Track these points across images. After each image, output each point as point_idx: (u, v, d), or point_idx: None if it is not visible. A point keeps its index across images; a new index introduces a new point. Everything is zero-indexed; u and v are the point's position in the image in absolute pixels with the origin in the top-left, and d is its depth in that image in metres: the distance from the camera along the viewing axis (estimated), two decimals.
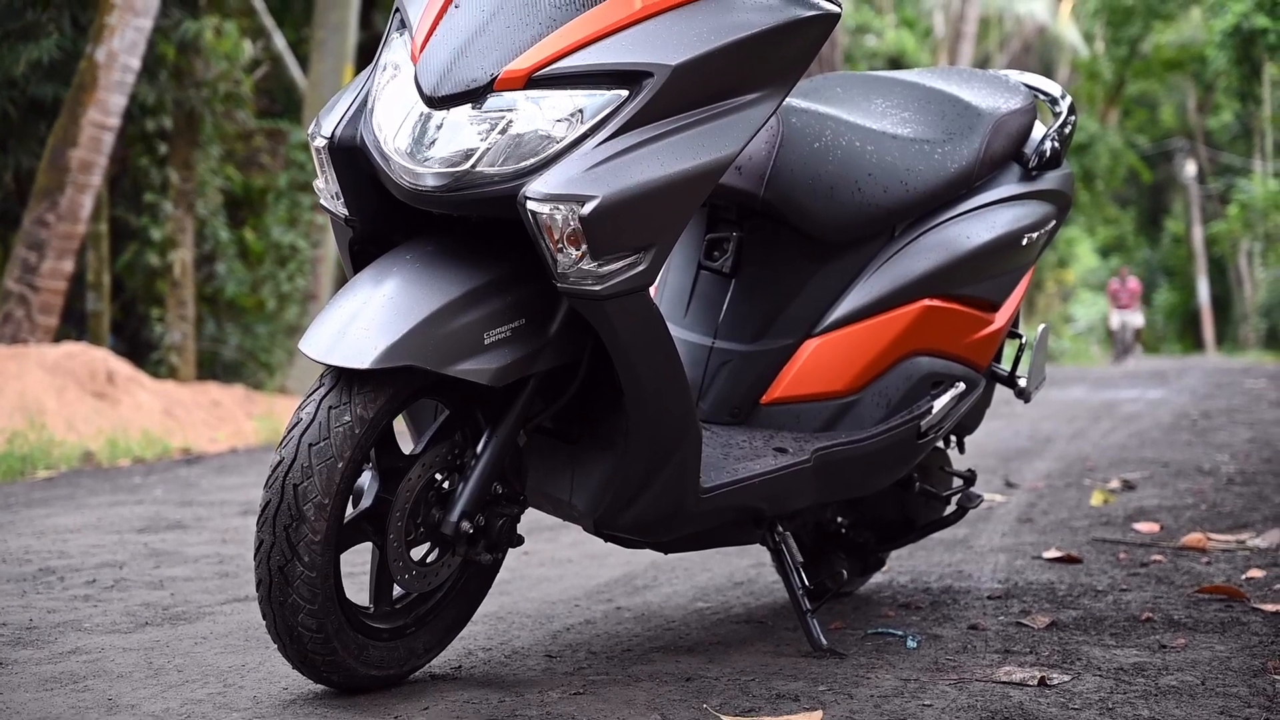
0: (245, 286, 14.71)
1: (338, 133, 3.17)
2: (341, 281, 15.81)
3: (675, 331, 3.79)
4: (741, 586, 4.64)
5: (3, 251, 13.49)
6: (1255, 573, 4.74)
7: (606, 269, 2.92)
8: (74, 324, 13.74)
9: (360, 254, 3.30)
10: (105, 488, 7.68)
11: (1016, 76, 4.45)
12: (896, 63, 42.57)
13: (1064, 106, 4.33)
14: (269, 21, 16.76)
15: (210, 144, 13.89)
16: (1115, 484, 7.00)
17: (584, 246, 2.88)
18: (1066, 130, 4.28)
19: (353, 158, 3.18)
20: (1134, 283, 35.14)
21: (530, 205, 2.87)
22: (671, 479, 3.24)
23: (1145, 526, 5.72)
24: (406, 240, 3.21)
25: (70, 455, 9.24)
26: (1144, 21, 46.33)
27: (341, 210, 3.23)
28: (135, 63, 12.17)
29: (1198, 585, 4.57)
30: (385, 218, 3.24)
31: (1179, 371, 16.35)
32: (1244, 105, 40.81)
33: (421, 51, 3.08)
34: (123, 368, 12.13)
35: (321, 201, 3.29)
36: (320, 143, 3.18)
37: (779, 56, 3.16)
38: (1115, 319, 34.59)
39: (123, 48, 12.07)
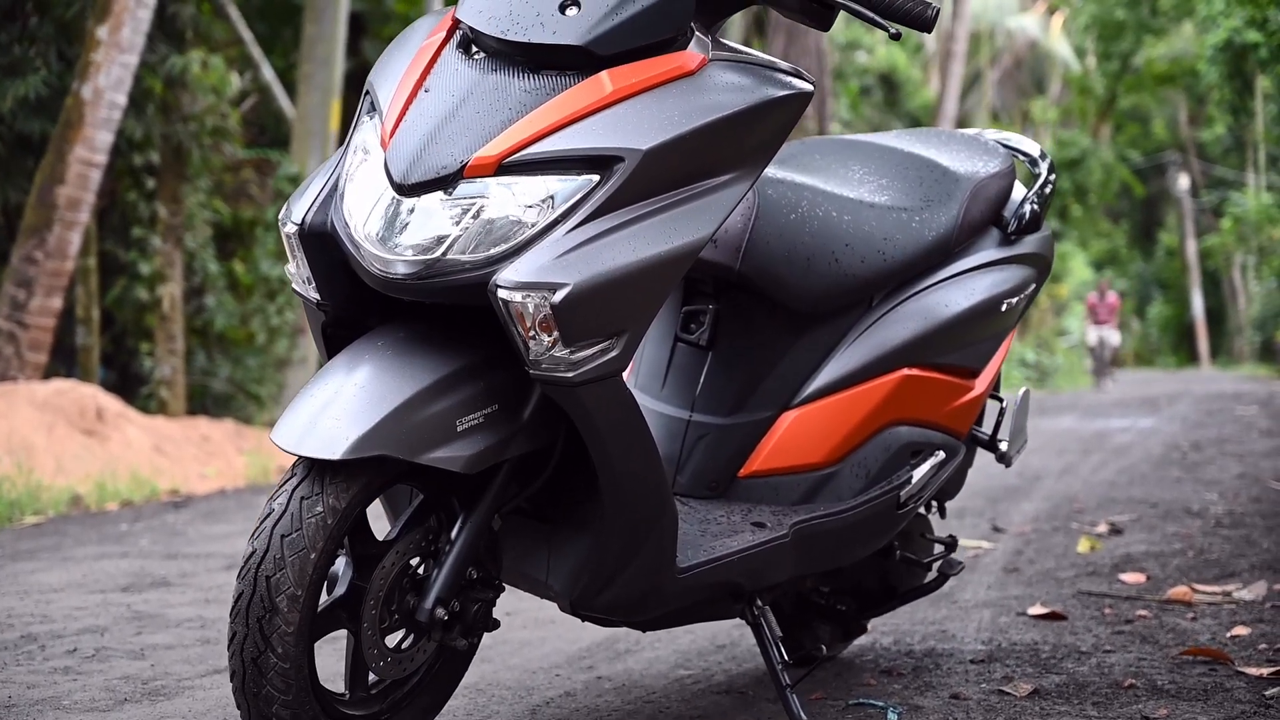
0: (235, 319, 14.68)
1: (308, 219, 3.15)
2: None
3: (652, 404, 3.78)
4: (724, 650, 4.62)
5: None
6: (1240, 630, 4.73)
7: (579, 356, 2.91)
8: (64, 358, 13.70)
9: (333, 337, 3.29)
10: (92, 537, 7.66)
11: (994, 136, 4.44)
12: (887, 80, 42.64)
13: (1043, 167, 4.32)
14: (257, 52, 16.76)
15: (198, 177, 13.87)
16: (1103, 528, 6.99)
17: (556, 334, 2.86)
18: (1046, 190, 4.28)
19: (323, 243, 3.16)
20: (1113, 297, 33.74)
21: (501, 294, 2.85)
22: (648, 560, 3.23)
23: (1131, 577, 5.70)
24: (379, 324, 3.20)
25: (58, 500, 9.21)
26: (1135, 36, 46.38)
27: (313, 295, 3.21)
28: (122, 99, 12.15)
29: (1182, 645, 4.56)
30: (358, 302, 3.22)
31: (1171, 398, 16.31)
32: (1236, 120, 40.86)
33: (391, 137, 3.06)
34: (112, 404, 12.10)
35: (293, 286, 3.27)
36: (291, 229, 3.17)
37: (752, 137, 3.15)
38: (1093, 335, 33.09)
39: (109, 85, 12.05)
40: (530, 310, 2.85)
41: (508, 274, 2.87)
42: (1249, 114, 38.16)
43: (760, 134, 3.17)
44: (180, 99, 13.75)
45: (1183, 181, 53.16)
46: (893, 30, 3.25)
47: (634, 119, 3.01)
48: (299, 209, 3.18)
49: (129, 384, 14.08)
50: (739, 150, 3.13)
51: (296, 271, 3.23)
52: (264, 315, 14.41)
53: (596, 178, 2.96)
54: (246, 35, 16.36)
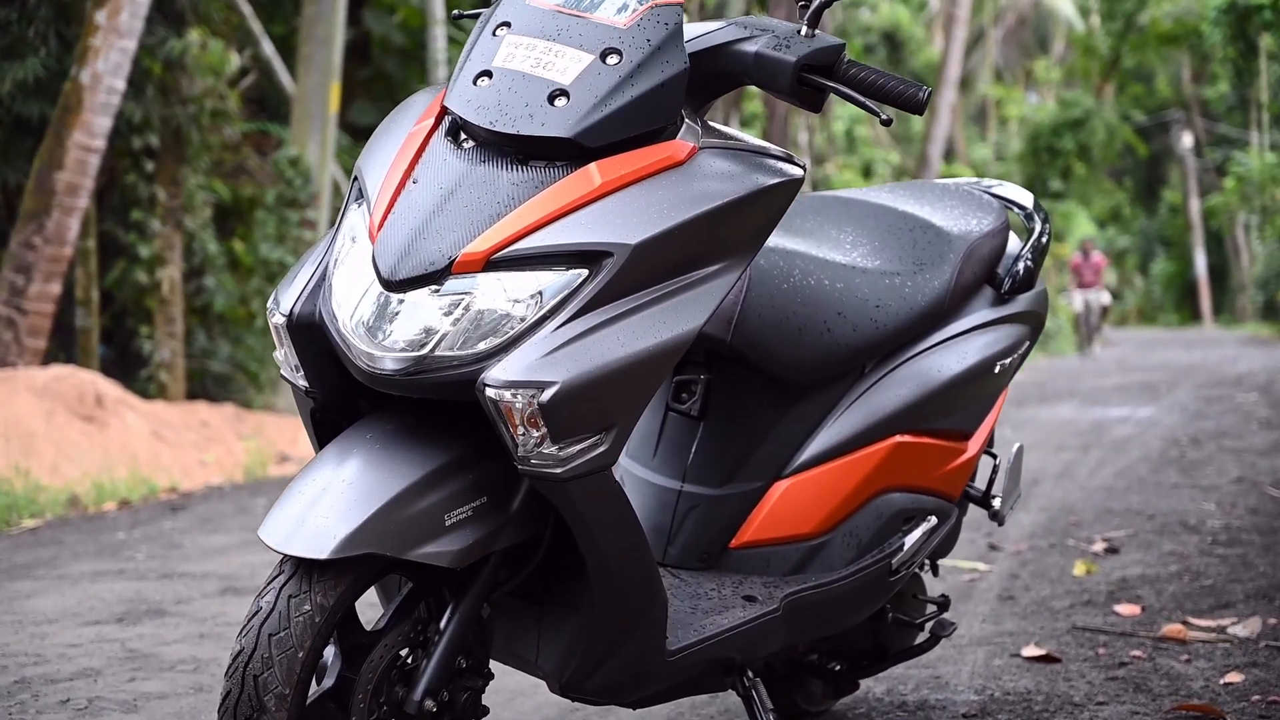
0: (234, 299, 14.67)
1: (296, 310, 3.14)
2: None
3: (643, 473, 3.77)
4: (716, 702, 4.62)
5: None
6: (1234, 677, 4.73)
7: (567, 452, 2.90)
8: (63, 340, 13.70)
9: (322, 421, 3.28)
10: (89, 547, 7.66)
11: (989, 188, 4.41)
12: (890, 38, 42.55)
13: (1037, 221, 4.30)
14: (257, 26, 16.70)
15: (198, 159, 13.83)
16: (1099, 546, 6.98)
17: (544, 430, 2.85)
18: (1043, 241, 4.26)
19: (312, 333, 3.15)
20: (1099, 257, 32.40)
21: (489, 392, 2.84)
22: (638, 645, 3.22)
23: (1126, 609, 5.70)
24: (369, 411, 3.19)
25: (56, 500, 9.21)
26: None
27: (302, 382, 3.20)
28: (120, 84, 12.13)
29: (1176, 693, 4.56)
30: (347, 389, 3.21)
31: (1170, 384, 16.26)
32: (1240, 80, 40.75)
33: (379, 230, 3.03)
34: (112, 390, 12.11)
35: (282, 373, 3.26)
36: (279, 320, 3.15)
37: (743, 226, 3.12)
38: (1078, 299, 31.75)
39: (107, 70, 12.03)
40: (518, 408, 2.84)
41: (495, 372, 2.85)
42: (1253, 74, 38.09)
43: (751, 222, 3.15)
44: (179, 81, 13.72)
45: (1186, 140, 53.07)
46: (884, 116, 3.23)
47: (622, 212, 2.98)
48: (286, 299, 3.16)
49: (128, 363, 14.07)
50: (730, 239, 3.11)
51: (285, 359, 3.21)
52: (263, 298, 14.39)
53: (585, 272, 2.94)
54: (246, 9, 16.30)
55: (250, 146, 15.93)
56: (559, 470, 2.89)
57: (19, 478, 9.53)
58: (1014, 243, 4.20)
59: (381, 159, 3.17)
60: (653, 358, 2.97)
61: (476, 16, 3.64)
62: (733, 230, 3.10)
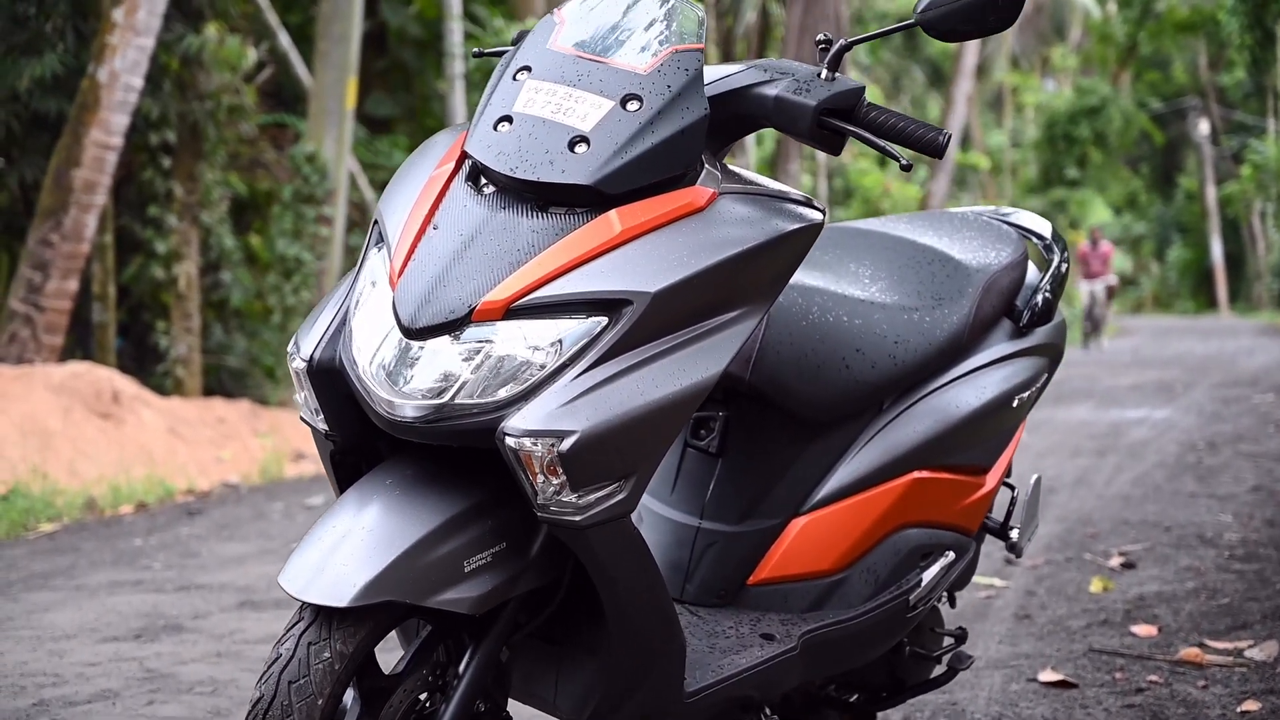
0: (251, 294, 14.69)
1: (316, 355, 3.14)
2: None
3: (661, 509, 3.77)
4: None
5: (8, 264, 13.47)
6: (1251, 705, 4.73)
7: (587, 500, 2.89)
8: (80, 335, 13.72)
9: (342, 463, 3.28)
10: (106, 555, 7.68)
11: (1007, 217, 4.41)
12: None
13: (1056, 252, 4.29)
14: (273, 19, 16.70)
15: (214, 154, 13.84)
16: (1115, 561, 6.97)
17: (563, 478, 2.85)
18: (1062, 271, 4.25)
19: (332, 378, 3.15)
20: (1106, 246, 30.79)
21: (509, 441, 2.84)
22: (656, 687, 3.23)
23: (1143, 630, 5.70)
24: (389, 454, 3.19)
25: (73, 503, 9.24)
26: None
27: (322, 426, 3.20)
28: (138, 82, 12.15)
29: None
30: (367, 432, 3.21)
31: (1186, 384, 16.23)
32: (1257, 69, 40.66)
33: (400, 276, 3.03)
34: (128, 386, 12.13)
35: (302, 415, 3.26)
36: (299, 365, 3.15)
37: (763, 272, 3.12)
38: (1084, 290, 30.05)
39: (125, 68, 12.05)
40: (538, 456, 2.84)
41: (515, 421, 2.85)
42: (1269, 63, 38.00)
43: (772, 268, 3.14)
44: (196, 77, 13.73)
45: (1203, 127, 52.97)
46: (904, 161, 3.22)
47: (642, 260, 2.98)
48: (307, 344, 3.16)
49: (145, 356, 14.10)
50: (750, 285, 3.10)
51: (305, 403, 3.21)
52: (280, 294, 14.41)
53: (605, 320, 2.94)
54: (262, 0, 16.30)
55: (267, 140, 15.94)
56: (578, 518, 2.89)
57: (36, 480, 9.55)
58: (1032, 273, 4.19)
59: (402, 203, 3.16)
60: (672, 405, 2.97)
61: (496, 55, 3.65)
62: (753, 276, 3.09)
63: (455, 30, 17.31)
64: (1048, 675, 5.10)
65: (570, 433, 2.83)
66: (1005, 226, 4.29)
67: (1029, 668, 5.25)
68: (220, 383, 14.59)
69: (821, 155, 30.41)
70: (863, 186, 31.87)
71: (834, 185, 32.24)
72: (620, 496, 2.93)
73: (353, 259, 16.10)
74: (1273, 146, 42.98)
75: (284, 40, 16.84)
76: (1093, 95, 44.95)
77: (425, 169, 3.21)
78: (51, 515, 8.96)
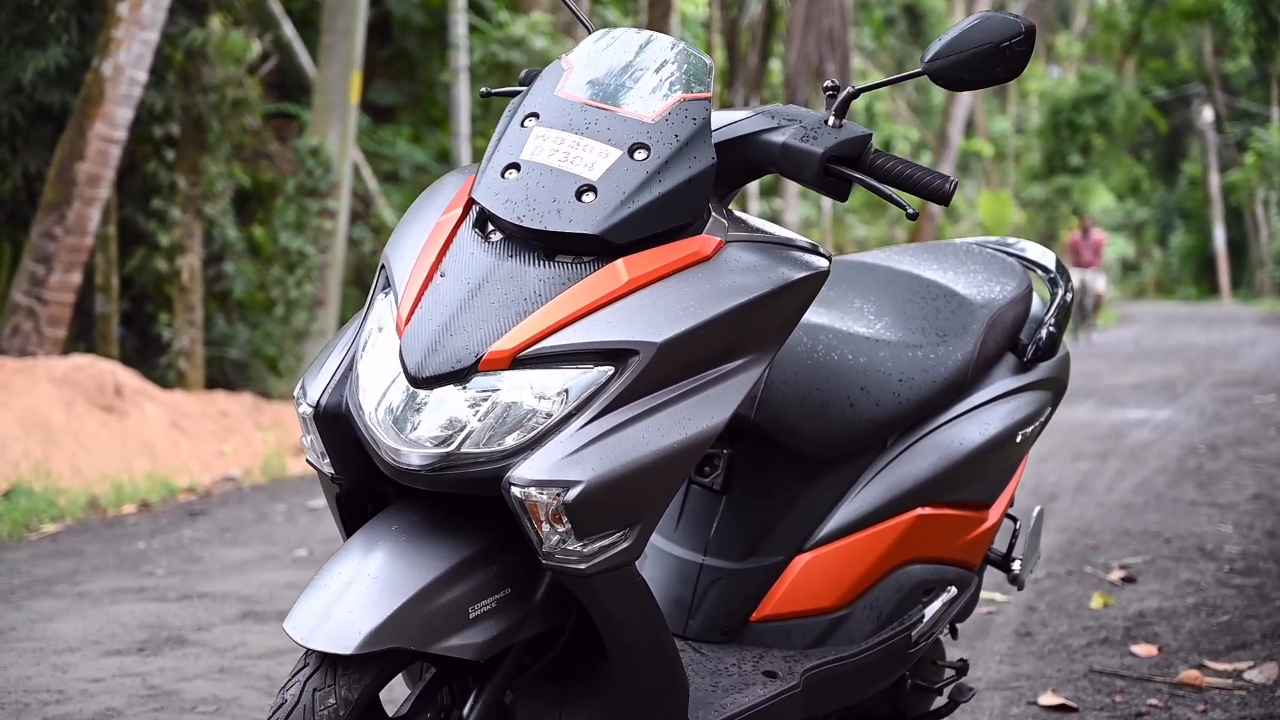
0: (254, 285, 14.71)
1: (323, 401, 3.15)
2: (351, 290, 15.79)
3: (665, 545, 3.79)
4: None
5: (11, 256, 13.48)
6: None
7: (591, 548, 2.91)
8: (83, 326, 13.73)
9: (348, 505, 3.30)
10: (110, 559, 7.70)
11: (1010, 248, 4.42)
12: (911, 10, 42.40)
13: (1060, 284, 4.31)
14: (277, 8, 16.70)
15: (218, 146, 13.84)
16: (1116, 575, 6.99)
17: (568, 526, 2.87)
18: (1067, 301, 4.27)
19: (339, 423, 3.16)
20: (1099, 235, 29.76)
21: (515, 491, 2.86)
22: None
23: (1143, 649, 5.72)
24: (395, 497, 3.21)
25: (76, 503, 9.26)
26: None
27: (328, 469, 3.21)
28: (142, 75, 12.16)
29: None
30: (373, 475, 3.22)
31: (1188, 382, 16.24)
32: (1261, 58, 40.64)
33: (407, 324, 3.04)
34: (131, 380, 12.15)
35: (308, 458, 3.27)
36: (306, 410, 3.16)
37: (769, 320, 3.13)
38: (1075, 279, 27.18)
39: (129, 61, 12.06)
40: (543, 505, 2.85)
41: (521, 471, 2.87)
42: (1274, 52, 37.96)
43: (778, 317, 3.15)
44: (200, 70, 13.73)
45: (1207, 114, 52.92)
46: (910, 210, 3.23)
47: (649, 310, 2.99)
48: (314, 390, 3.17)
49: (147, 347, 14.11)
50: (755, 334, 3.11)
51: (311, 446, 3.23)
52: (283, 287, 14.41)
53: (611, 369, 2.95)
54: None
55: (270, 131, 15.93)
56: (583, 566, 2.91)
57: (39, 477, 9.57)
58: (1036, 305, 4.21)
59: (410, 249, 3.17)
60: (678, 455, 2.98)
61: (505, 95, 3.67)
62: (759, 324, 3.11)
63: (460, 22, 17.31)
64: (1048, 699, 5.12)
65: (576, 483, 2.84)
66: (1009, 259, 4.30)
67: (1029, 690, 5.27)
68: (223, 374, 14.60)
69: None
70: None
71: None
72: (625, 545, 2.95)
73: (355, 252, 16.11)
74: (1276, 135, 43.00)
75: (288, 30, 16.84)
76: (1097, 83, 44.99)
77: (433, 214, 3.22)
78: (54, 515, 8.98)
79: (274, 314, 14.54)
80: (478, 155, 18.33)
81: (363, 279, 16.48)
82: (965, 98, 32.79)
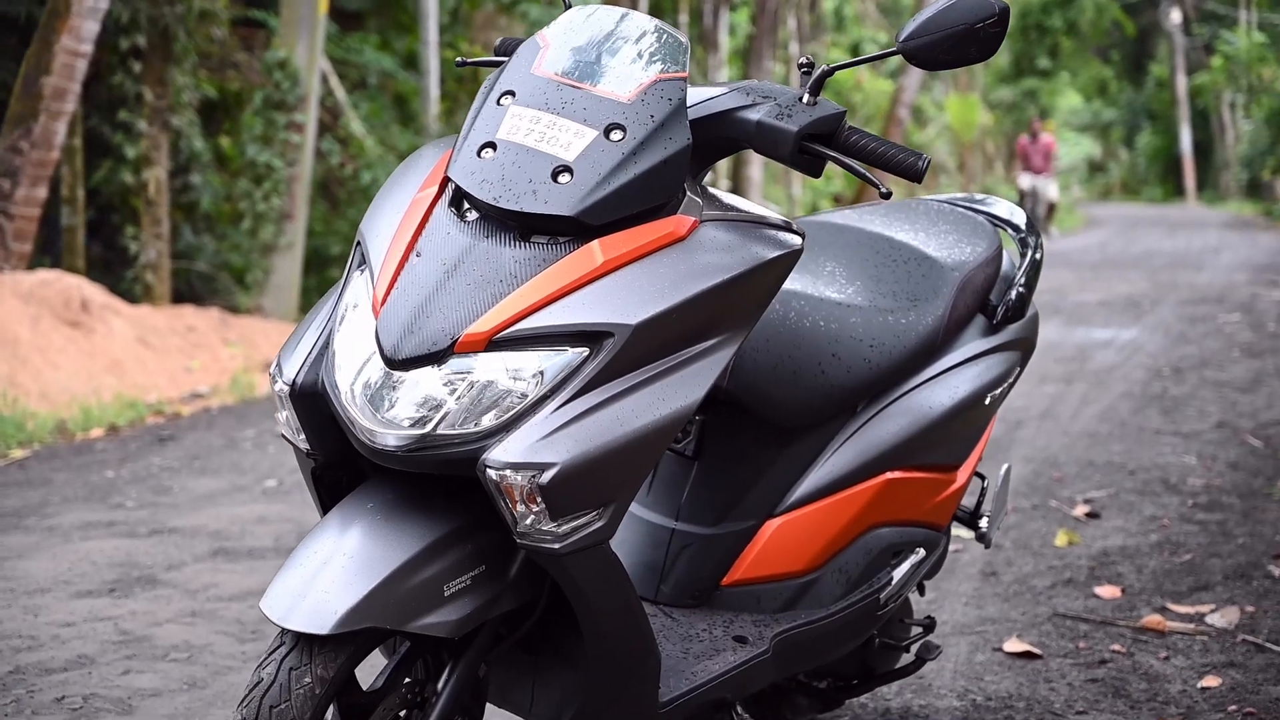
0: (221, 197, 14.65)
1: (299, 379, 3.16)
2: (319, 203, 15.73)
3: (638, 511, 3.82)
4: None
5: None
6: (1211, 680, 4.82)
7: (566, 528, 2.94)
8: (48, 235, 13.67)
9: (322, 479, 3.31)
10: (79, 490, 7.70)
11: (980, 204, 4.43)
12: None
13: (1030, 244, 4.32)
14: None
15: (185, 57, 13.74)
16: (1080, 511, 7.05)
17: (542, 507, 2.89)
18: (1037, 260, 4.29)
19: (315, 400, 3.17)
20: (1048, 139, 28.38)
21: (490, 473, 2.88)
22: (632, 699, 3.29)
23: (1107, 591, 5.78)
24: (371, 473, 3.22)
25: (44, 426, 9.25)
26: None
27: (304, 444, 3.23)
28: None
29: (1153, 699, 4.66)
30: (348, 451, 3.24)
31: (1153, 299, 16.28)
32: None
33: (383, 304, 3.04)
34: (97, 295, 12.12)
35: (283, 433, 3.29)
36: (281, 388, 3.18)
37: (743, 300, 3.14)
38: (1025, 185, 27.96)
39: None
40: (519, 487, 2.88)
41: (496, 453, 2.89)
42: None
43: (752, 296, 3.16)
44: None
45: (1174, 16, 52.80)
46: (884, 189, 3.23)
47: (624, 291, 3.00)
48: (290, 367, 3.18)
49: (113, 259, 14.05)
50: (730, 313, 3.12)
51: (287, 422, 3.24)
52: (250, 201, 14.36)
53: (587, 351, 2.97)
54: None
55: (237, 39, 15.81)
56: (557, 545, 2.94)
57: (6, 402, 9.56)
58: (1006, 265, 4.23)
59: (385, 226, 3.17)
60: (652, 435, 3.01)
61: (480, 65, 3.66)
62: (733, 304, 3.12)
63: None
64: (1013, 645, 5.18)
65: (550, 465, 2.87)
66: (980, 219, 4.31)
67: (994, 634, 5.33)
68: (190, 286, 14.55)
69: (794, 46, 30.29)
70: (835, 79, 31.71)
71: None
72: (599, 524, 2.98)
73: (323, 164, 16.03)
74: (1244, 37, 42.96)
75: None
76: None
77: (409, 190, 3.22)
78: (22, 440, 8.97)
79: (241, 227, 14.47)
80: (446, 64, 18.24)
81: (330, 191, 16.40)
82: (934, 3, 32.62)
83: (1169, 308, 15.46)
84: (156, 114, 13.55)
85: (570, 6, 3.36)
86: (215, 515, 7.12)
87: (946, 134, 36.59)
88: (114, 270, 13.87)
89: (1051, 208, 28.59)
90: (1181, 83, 51.60)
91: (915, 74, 28.06)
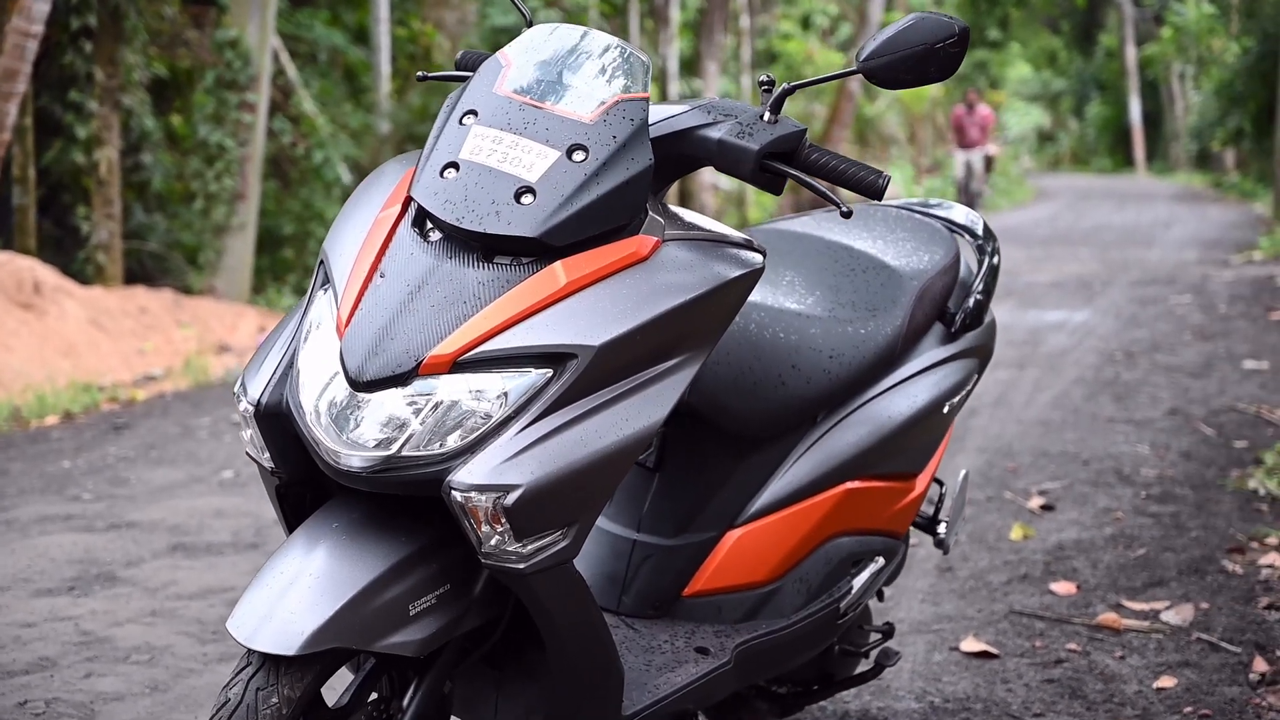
0: (172, 176, 14.59)
1: (263, 399, 3.17)
2: (270, 183, 15.68)
3: (600, 522, 3.83)
4: None
5: None
6: (1167, 681, 4.87)
7: (530, 548, 2.96)
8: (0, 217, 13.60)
9: (287, 496, 3.32)
10: (35, 481, 7.69)
11: (935, 209, 4.46)
12: None
13: (988, 250, 4.35)
14: None
15: (136, 36, 13.66)
16: (1035, 503, 7.09)
17: (507, 527, 2.91)
18: (994, 265, 4.31)
19: (279, 420, 3.18)
20: (985, 111, 26.68)
21: (455, 495, 2.89)
22: (593, 715, 3.31)
23: (1062, 588, 5.83)
24: (335, 491, 3.23)
25: None
26: None
27: (268, 463, 3.24)
28: None
29: (1109, 699, 4.71)
30: (313, 469, 3.25)
31: (1105, 280, 16.37)
32: None
33: (347, 326, 3.05)
34: (50, 276, 12.08)
35: (248, 451, 3.29)
36: (246, 408, 3.18)
37: (705, 319, 3.16)
38: (959, 161, 26.39)
39: None
40: (483, 508, 2.89)
41: (461, 475, 2.90)
42: None
43: (714, 316, 3.18)
44: None
45: None
46: (845, 209, 3.25)
47: (587, 313, 3.02)
48: (254, 387, 3.18)
49: (64, 239, 13.98)
50: (692, 332, 3.14)
51: (251, 441, 3.25)
52: (203, 181, 14.31)
53: (550, 372, 2.98)
54: None
55: (188, 17, 15.72)
56: (521, 566, 2.96)
57: None
58: (964, 271, 4.25)
59: (349, 246, 3.18)
60: (615, 455, 3.02)
61: (441, 80, 3.67)
62: (695, 324, 3.14)
63: None
64: (970, 644, 5.22)
65: (515, 487, 2.88)
66: (937, 225, 4.34)
67: (951, 633, 5.37)
68: (142, 266, 14.48)
69: (745, 20, 30.26)
70: (786, 52, 31.78)
71: (757, 49, 32.08)
72: (563, 544, 2.99)
73: (275, 143, 15.97)
74: (1193, 8, 43.05)
75: None
76: None
77: (371, 208, 3.22)
78: None
79: (193, 206, 14.42)
80: (398, 41, 18.19)
81: (281, 170, 16.34)
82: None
83: (1120, 289, 15.54)
84: (107, 93, 13.48)
85: (532, 25, 3.37)
86: (173, 508, 7.12)
87: (897, 106, 36.60)
88: (65, 250, 13.80)
89: (990, 161, 27.10)
90: (1131, 53, 51.79)
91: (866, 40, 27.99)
